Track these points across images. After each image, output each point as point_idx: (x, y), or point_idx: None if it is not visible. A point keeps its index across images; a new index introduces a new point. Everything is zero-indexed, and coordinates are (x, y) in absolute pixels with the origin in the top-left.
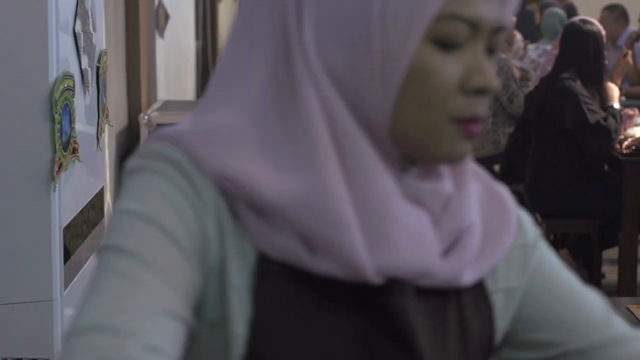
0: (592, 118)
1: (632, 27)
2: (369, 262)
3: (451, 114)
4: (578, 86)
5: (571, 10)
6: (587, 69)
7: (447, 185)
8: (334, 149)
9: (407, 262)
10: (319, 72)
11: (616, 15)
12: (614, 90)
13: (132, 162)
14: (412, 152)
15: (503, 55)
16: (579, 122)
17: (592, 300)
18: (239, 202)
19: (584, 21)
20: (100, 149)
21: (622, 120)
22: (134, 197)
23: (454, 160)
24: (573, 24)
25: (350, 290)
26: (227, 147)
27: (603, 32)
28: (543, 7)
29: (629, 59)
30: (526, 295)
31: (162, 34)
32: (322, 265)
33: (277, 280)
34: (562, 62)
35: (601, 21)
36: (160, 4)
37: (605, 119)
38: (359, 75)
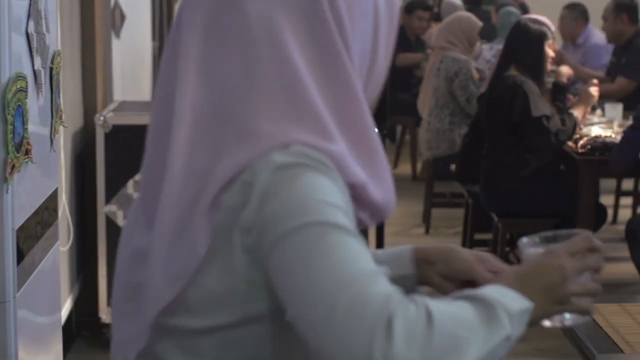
0: (535, 111)
1: (592, 25)
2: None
3: None
4: (530, 83)
5: (524, 10)
6: (526, 67)
7: None
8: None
9: None
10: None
11: (576, 14)
12: (589, 98)
13: (290, 157)
14: None
15: (463, 57)
16: (524, 113)
17: None
18: None
19: (533, 20)
20: (54, 150)
21: (575, 127)
22: (318, 190)
23: None
24: (519, 23)
25: None
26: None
27: (551, 34)
28: (499, 7)
29: (564, 68)
30: None
31: (118, 35)
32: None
33: None
34: (504, 59)
35: (561, 20)
36: (116, 5)
37: (548, 118)
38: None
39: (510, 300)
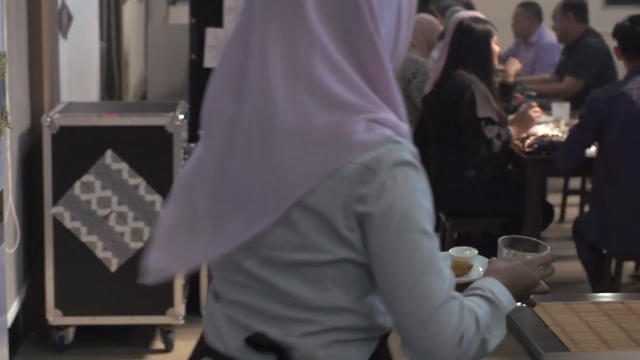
0: (481, 112)
1: (545, 24)
2: None
3: None
4: (478, 83)
5: (469, 9)
6: (475, 67)
7: None
8: None
9: None
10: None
11: (529, 13)
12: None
13: (405, 155)
14: None
15: (421, 59)
16: (468, 113)
17: None
18: None
19: (474, 19)
20: (0, 152)
21: (507, 142)
22: (425, 194)
23: None
24: (462, 24)
25: None
26: None
27: (494, 31)
28: (441, 8)
29: (511, 65)
30: None
31: (65, 35)
32: None
33: None
34: (451, 60)
35: (514, 18)
36: (64, 5)
37: (487, 123)
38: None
39: (508, 303)
